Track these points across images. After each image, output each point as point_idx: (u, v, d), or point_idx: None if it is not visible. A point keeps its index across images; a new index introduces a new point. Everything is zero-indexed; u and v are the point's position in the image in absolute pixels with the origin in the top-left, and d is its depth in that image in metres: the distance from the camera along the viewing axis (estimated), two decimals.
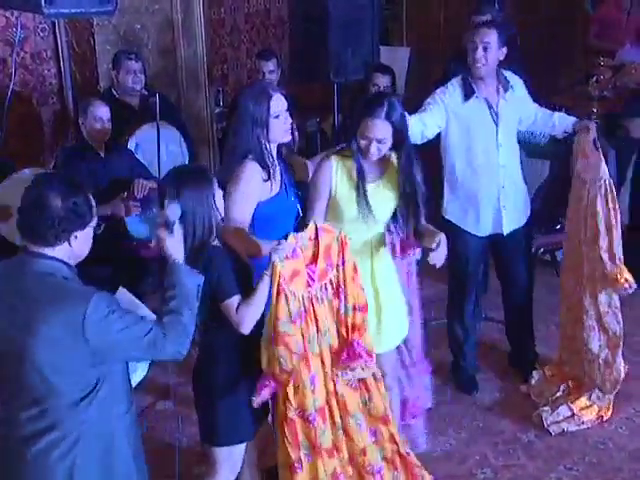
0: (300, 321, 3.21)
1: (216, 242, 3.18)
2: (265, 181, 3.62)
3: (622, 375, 4.54)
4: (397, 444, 3.55)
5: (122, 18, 6.69)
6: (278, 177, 3.70)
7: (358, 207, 3.59)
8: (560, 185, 5.84)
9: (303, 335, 3.23)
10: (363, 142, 3.57)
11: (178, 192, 3.06)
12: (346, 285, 3.32)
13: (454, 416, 4.66)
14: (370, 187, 3.63)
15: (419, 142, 4.41)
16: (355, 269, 3.36)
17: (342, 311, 3.33)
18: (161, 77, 7.15)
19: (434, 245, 3.57)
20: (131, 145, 5.62)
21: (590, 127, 4.51)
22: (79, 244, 2.67)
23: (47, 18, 5.91)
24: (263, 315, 3.18)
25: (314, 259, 3.25)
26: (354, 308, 3.35)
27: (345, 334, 3.34)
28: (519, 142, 5.48)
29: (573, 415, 4.49)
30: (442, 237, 3.60)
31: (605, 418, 4.55)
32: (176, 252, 2.93)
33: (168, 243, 2.94)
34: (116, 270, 5.33)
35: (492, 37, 4.56)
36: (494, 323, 5.57)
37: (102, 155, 5.28)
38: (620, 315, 4.50)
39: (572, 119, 4.78)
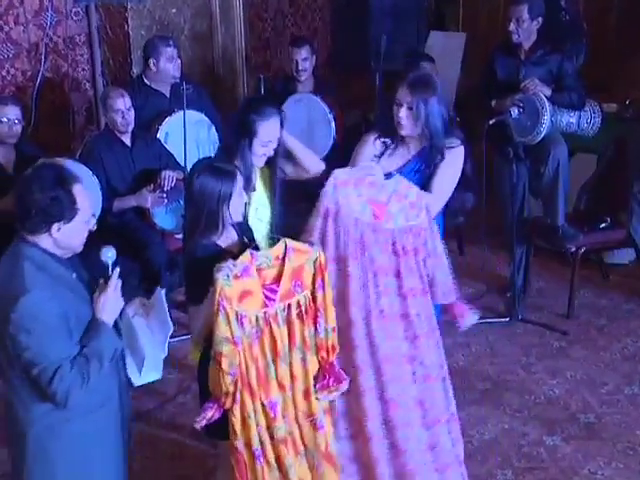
0: (249, 345, 3.40)
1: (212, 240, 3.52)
2: None
3: None
4: None
5: (157, 2, 7.13)
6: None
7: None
8: (608, 181, 6.16)
9: (255, 360, 3.43)
10: (262, 148, 3.91)
11: (191, 180, 3.46)
12: (326, 309, 3.55)
13: (480, 417, 4.97)
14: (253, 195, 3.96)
15: None
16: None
17: (322, 335, 3.56)
18: (197, 64, 7.58)
19: None
20: (161, 134, 6.05)
21: None
22: (63, 236, 2.98)
23: (78, 2, 6.40)
24: None
25: (277, 278, 3.47)
26: (333, 330, 3.60)
27: (326, 356, 3.59)
28: (564, 135, 5.85)
29: None
30: None
31: None
32: (105, 311, 3.04)
33: (99, 299, 3.05)
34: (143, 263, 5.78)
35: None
36: (531, 325, 5.92)
37: (128, 144, 5.72)
38: None
39: None
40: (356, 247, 3.83)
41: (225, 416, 3.44)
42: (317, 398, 3.59)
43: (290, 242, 3.50)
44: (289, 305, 3.48)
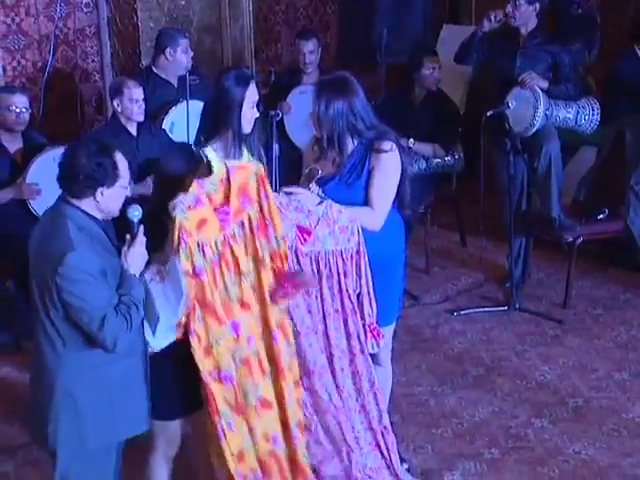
0: (212, 271, 3.75)
1: None
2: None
3: None
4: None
5: None
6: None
7: None
8: (606, 173, 6.48)
9: (217, 285, 3.77)
10: (250, 111, 4.14)
11: (167, 162, 3.87)
12: (273, 218, 3.90)
13: (471, 400, 5.30)
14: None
15: None
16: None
17: (274, 244, 3.93)
18: (206, 56, 7.93)
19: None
20: (166, 124, 6.41)
21: None
22: (106, 200, 3.42)
23: None
24: None
25: (226, 200, 3.81)
26: (283, 239, 3.94)
27: (281, 265, 3.94)
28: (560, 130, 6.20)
29: None
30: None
31: None
32: (134, 264, 3.47)
33: (128, 253, 3.46)
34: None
35: None
36: (528, 314, 6.26)
37: (134, 134, 6.08)
38: None
39: None
40: None
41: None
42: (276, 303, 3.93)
43: (230, 162, 3.87)
44: (242, 222, 3.84)
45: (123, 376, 3.55)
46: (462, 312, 6.29)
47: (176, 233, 3.65)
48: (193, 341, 3.75)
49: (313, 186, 4.17)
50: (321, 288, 4.16)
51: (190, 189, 3.71)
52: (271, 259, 3.94)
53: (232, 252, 3.82)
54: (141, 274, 3.55)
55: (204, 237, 3.73)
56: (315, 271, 4.14)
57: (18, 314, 5.78)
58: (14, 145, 5.82)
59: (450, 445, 4.92)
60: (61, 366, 3.45)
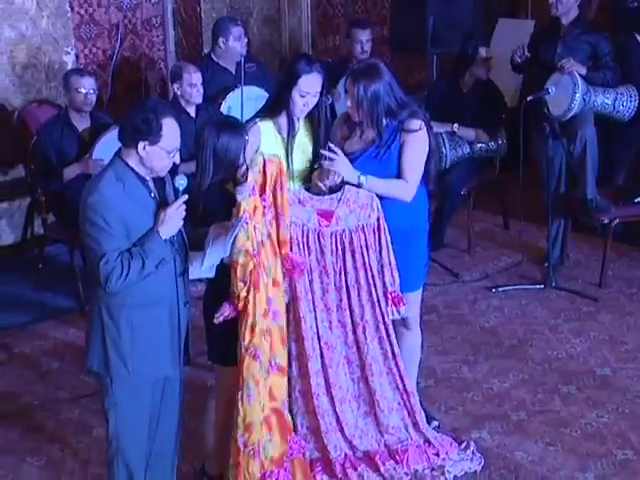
0: (259, 252, 4.13)
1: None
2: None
3: None
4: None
5: None
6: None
7: (286, 160, 4.59)
8: None
9: (262, 265, 4.17)
10: (301, 99, 4.54)
11: (219, 131, 4.25)
12: (284, 206, 4.25)
13: (502, 368, 5.64)
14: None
15: None
16: None
17: (283, 230, 4.31)
18: (265, 46, 8.38)
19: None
20: (224, 108, 6.85)
21: None
22: (148, 157, 3.74)
23: None
24: None
25: (263, 189, 4.20)
26: (287, 227, 4.32)
27: (284, 251, 4.32)
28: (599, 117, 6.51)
29: None
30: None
31: None
32: (163, 224, 3.77)
33: (161, 214, 3.78)
34: None
35: None
36: (564, 292, 6.58)
37: (193, 116, 6.53)
38: None
39: None
40: (302, 251, 4.50)
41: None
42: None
43: (265, 155, 4.26)
44: (268, 208, 4.24)
45: (146, 322, 3.89)
46: (500, 289, 6.62)
47: (241, 215, 4.01)
48: (244, 317, 4.14)
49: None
50: (345, 263, 4.55)
51: (248, 179, 4.10)
52: (280, 246, 4.33)
53: (270, 236, 4.22)
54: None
55: (256, 222, 4.10)
56: (340, 248, 4.54)
57: (83, 282, 6.25)
58: (82, 124, 6.33)
59: (479, 407, 5.27)
60: (97, 301, 3.87)
